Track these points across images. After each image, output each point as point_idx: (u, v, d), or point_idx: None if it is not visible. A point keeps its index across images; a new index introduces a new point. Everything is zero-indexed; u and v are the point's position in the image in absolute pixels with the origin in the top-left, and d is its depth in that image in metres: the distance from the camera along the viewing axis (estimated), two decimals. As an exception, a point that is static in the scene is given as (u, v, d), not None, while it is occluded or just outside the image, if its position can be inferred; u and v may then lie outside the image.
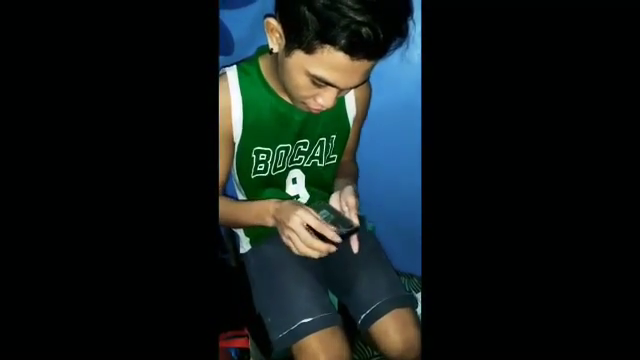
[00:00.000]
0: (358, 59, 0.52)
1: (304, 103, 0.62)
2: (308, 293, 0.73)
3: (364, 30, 0.49)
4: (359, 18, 0.48)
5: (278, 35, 0.57)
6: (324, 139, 0.77)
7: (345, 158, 0.87)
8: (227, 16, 0.93)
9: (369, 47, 0.51)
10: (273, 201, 0.68)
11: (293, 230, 0.60)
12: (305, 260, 0.77)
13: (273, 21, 0.56)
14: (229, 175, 0.77)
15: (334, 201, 0.69)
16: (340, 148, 0.80)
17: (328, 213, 0.66)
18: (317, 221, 0.60)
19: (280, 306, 0.73)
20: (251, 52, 0.93)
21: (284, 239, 0.64)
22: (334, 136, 0.77)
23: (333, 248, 0.60)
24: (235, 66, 0.71)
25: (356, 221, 0.65)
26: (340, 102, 0.75)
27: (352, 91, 0.75)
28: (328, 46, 0.51)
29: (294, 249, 0.62)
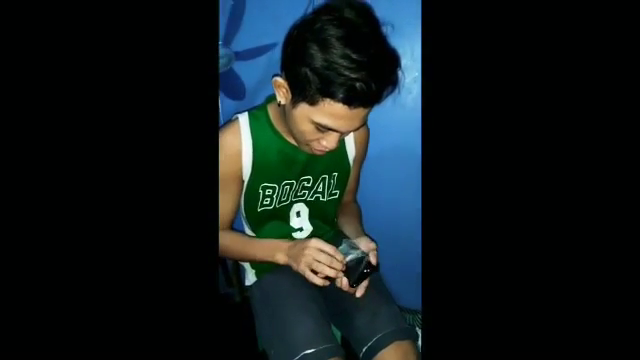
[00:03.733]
0: (355, 107, 0.60)
1: (308, 145, 0.70)
2: (311, 324, 0.75)
3: (358, 85, 0.57)
4: (353, 75, 0.57)
5: (285, 90, 0.66)
6: (326, 176, 0.83)
7: (347, 198, 0.93)
8: (240, 67, 1.03)
9: (364, 98, 0.59)
10: (285, 240, 0.75)
11: (312, 256, 0.68)
12: (308, 292, 0.81)
13: (280, 79, 0.65)
14: (237, 210, 0.83)
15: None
16: (342, 185, 0.86)
17: (347, 248, 0.72)
18: (328, 245, 0.68)
19: (283, 337, 0.75)
20: (260, 98, 1.02)
21: (302, 268, 0.69)
22: (335, 174, 0.84)
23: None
24: (246, 112, 0.78)
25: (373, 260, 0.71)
26: (341, 143, 0.81)
27: (352, 134, 0.82)
28: (328, 99, 0.59)
29: (317, 276, 0.68)
